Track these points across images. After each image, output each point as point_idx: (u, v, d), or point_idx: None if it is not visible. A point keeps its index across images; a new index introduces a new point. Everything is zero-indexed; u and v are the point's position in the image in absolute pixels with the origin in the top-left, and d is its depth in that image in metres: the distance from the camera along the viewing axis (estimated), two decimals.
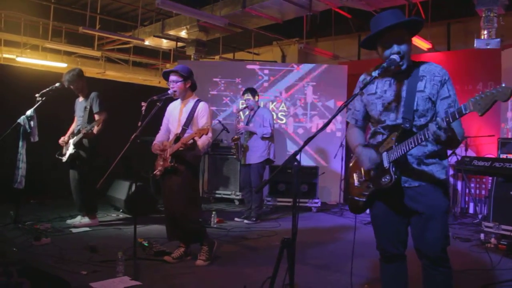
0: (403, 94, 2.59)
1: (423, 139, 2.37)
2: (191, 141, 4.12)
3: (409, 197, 2.60)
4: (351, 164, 2.92)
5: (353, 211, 2.88)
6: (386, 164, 2.56)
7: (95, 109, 5.82)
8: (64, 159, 5.87)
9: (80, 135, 5.71)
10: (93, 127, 5.67)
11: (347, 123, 3.01)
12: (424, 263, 2.62)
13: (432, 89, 2.55)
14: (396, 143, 2.52)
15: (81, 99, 6.02)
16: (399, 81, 2.63)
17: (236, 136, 6.88)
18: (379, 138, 2.69)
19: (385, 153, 2.58)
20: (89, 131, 5.65)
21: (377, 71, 2.50)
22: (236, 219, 6.79)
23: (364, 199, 2.71)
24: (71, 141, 5.81)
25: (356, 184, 2.80)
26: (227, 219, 6.71)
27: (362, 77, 2.81)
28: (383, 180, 2.57)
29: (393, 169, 2.53)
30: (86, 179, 5.83)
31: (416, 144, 2.41)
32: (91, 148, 5.82)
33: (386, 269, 2.85)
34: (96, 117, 5.78)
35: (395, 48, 2.52)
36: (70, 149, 5.80)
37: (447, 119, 2.22)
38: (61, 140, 5.95)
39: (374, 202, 2.73)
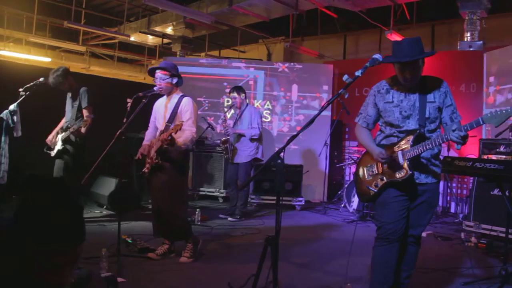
0: (417, 104, 3.09)
1: (441, 142, 2.92)
2: (169, 137, 4.11)
3: (417, 191, 3.13)
4: (360, 159, 3.43)
5: (363, 200, 3.59)
6: (401, 161, 3.04)
7: (84, 104, 5.78)
8: (53, 153, 5.82)
9: (68, 133, 5.68)
10: (80, 126, 5.64)
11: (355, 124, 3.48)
12: (411, 241, 3.24)
13: (439, 99, 3.09)
14: (412, 144, 3.01)
15: (70, 94, 5.97)
16: (412, 92, 3.11)
17: (224, 138, 6.84)
18: (394, 140, 3.16)
19: (400, 152, 3.06)
20: (77, 130, 5.60)
21: (360, 71, 2.78)
22: (220, 215, 6.81)
23: (376, 190, 3.16)
24: (60, 137, 5.78)
25: (367, 177, 3.28)
26: (211, 217, 6.72)
27: (376, 87, 3.28)
28: (398, 174, 3.05)
29: (410, 165, 3.00)
30: (70, 173, 5.77)
31: (433, 146, 2.94)
32: (79, 144, 5.79)
33: (381, 250, 3.14)
34: (84, 112, 5.75)
35: (407, 74, 2.99)
36: (59, 145, 5.76)
37: (466, 128, 2.77)
38: (48, 139, 5.91)
39: (385, 191, 3.14)
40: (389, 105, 3.16)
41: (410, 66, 2.96)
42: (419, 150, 2.96)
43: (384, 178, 3.12)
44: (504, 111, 2.63)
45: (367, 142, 3.30)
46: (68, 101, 5.98)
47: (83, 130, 5.65)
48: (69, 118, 5.83)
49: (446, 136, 2.86)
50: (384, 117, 3.22)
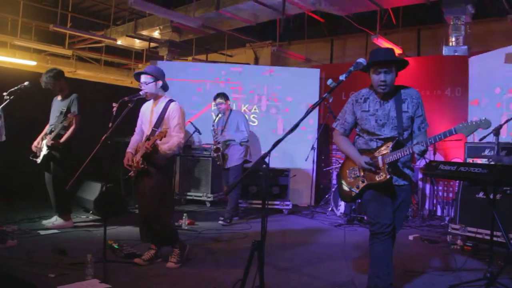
0: (392, 113, 3.34)
1: (410, 152, 3.19)
2: (153, 145, 4.09)
3: (395, 192, 3.39)
4: (343, 163, 3.67)
5: (344, 200, 3.83)
6: (381, 165, 3.28)
7: (73, 109, 5.72)
8: (39, 160, 5.77)
9: (53, 135, 5.63)
10: (62, 129, 5.62)
11: (331, 129, 3.51)
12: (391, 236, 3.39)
13: (412, 109, 3.35)
14: (391, 150, 3.26)
15: (59, 98, 5.91)
16: (387, 101, 3.37)
17: (216, 147, 6.91)
18: (373, 145, 3.41)
19: (380, 157, 3.30)
20: (54, 140, 5.60)
21: (344, 75, 2.99)
22: (220, 218, 6.85)
23: (357, 191, 3.45)
24: (45, 142, 5.70)
25: (349, 179, 3.55)
26: (198, 221, 6.69)
27: (355, 97, 3.52)
28: (377, 177, 3.31)
29: (388, 169, 3.25)
30: (60, 180, 5.70)
31: (408, 154, 3.21)
32: (65, 148, 5.72)
33: (380, 245, 3.32)
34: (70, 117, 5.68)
35: (382, 76, 3.23)
36: (44, 150, 5.71)
37: (430, 141, 3.10)
38: (34, 146, 5.84)
39: (365, 192, 3.42)
40: (365, 114, 3.41)
41: (385, 67, 3.22)
42: (398, 156, 3.22)
43: (365, 180, 3.39)
44: (474, 123, 2.95)
45: (349, 149, 3.55)
46: (55, 105, 5.91)
47: (62, 139, 5.63)
48: (54, 122, 5.76)
49: (411, 148, 3.15)
50: (361, 125, 3.47)
